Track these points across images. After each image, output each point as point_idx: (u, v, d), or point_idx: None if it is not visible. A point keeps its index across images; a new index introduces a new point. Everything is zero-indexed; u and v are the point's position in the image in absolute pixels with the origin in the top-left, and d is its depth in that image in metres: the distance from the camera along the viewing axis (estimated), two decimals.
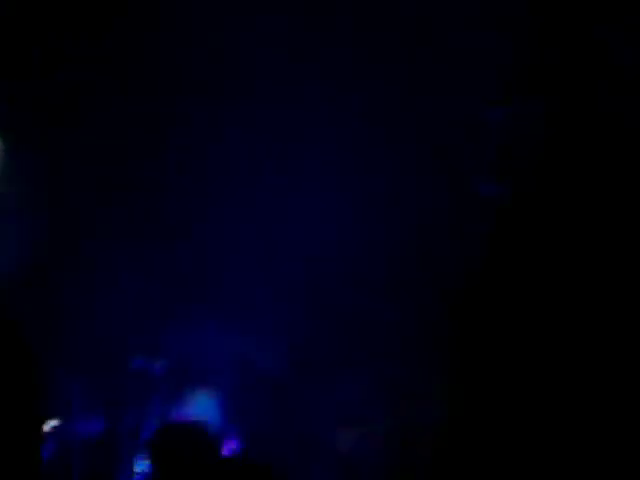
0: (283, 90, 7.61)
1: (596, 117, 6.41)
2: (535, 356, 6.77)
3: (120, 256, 7.72)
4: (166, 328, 7.82)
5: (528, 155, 6.60)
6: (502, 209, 6.44)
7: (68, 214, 7.62)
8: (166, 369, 7.76)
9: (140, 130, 7.73)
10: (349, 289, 7.71)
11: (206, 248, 7.86)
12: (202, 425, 3.77)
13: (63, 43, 7.32)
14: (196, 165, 7.89)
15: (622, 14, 6.41)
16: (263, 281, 7.83)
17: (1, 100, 7.15)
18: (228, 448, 7.39)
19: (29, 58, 7.25)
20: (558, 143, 6.58)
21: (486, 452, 6.32)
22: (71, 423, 7.28)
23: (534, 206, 6.73)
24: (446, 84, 7.27)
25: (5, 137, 7.27)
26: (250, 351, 7.83)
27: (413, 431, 6.90)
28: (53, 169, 7.53)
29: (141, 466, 7.07)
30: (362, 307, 7.67)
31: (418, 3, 7.22)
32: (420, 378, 7.25)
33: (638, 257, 6.43)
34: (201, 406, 7.53)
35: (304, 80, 7.54)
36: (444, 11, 7.21)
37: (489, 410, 6.61)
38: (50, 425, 6.96)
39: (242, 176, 7.86)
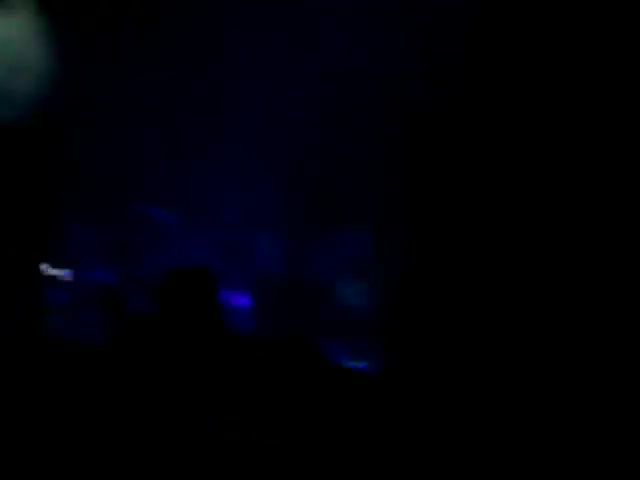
0: None
1: None
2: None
3: (137, 104, 7.76)
4: (179, 178, 7.87)
5: None
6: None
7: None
8: (182, 219, 7.83)
9: None
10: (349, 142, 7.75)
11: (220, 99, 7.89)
12: (206, 270, 3.82)
13: None
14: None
15: None
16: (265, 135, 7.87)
17: None
18: (238, 301, 7.51)
19: None
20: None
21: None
22: (84, 273, 7.40)
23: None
24: None
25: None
26: (250, 205, 7.89)
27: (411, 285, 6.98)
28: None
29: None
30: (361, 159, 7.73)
31: None
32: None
33: None
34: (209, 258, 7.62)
35: None
36: None
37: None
38: (62, 273, 7.10)
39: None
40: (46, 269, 6.80)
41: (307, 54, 7.73)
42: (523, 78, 6.97)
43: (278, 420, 3.33)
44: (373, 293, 7.05)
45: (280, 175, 7.88)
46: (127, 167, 7.78)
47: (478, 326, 6.46)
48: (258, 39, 7.90)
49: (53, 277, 7.13)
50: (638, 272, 6.10)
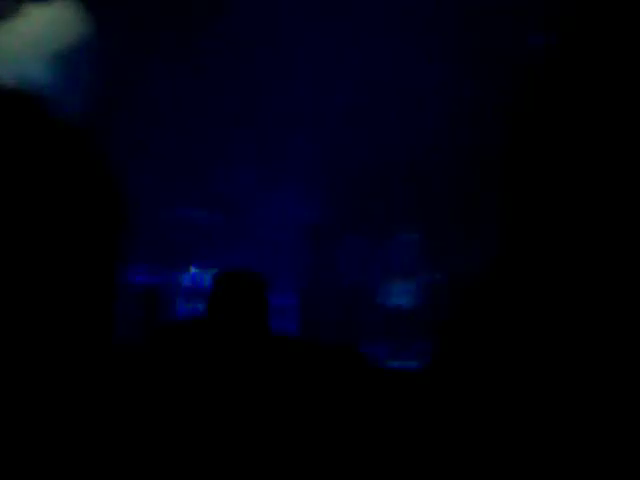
0: None
1: None
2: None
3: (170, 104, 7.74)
4: (215, 180, 7.85)
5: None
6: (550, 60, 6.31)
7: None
8: (220, 221, 7.80)
9: None
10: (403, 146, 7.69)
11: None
12: (255, 275, 3.77)
13: None
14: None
15: None
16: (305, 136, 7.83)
17: None
18: (279, 301, 7.47)
19: None
20: None
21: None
22: (125, 275, 7.38)
23: (583, 57, 6.57)
24: None
25: None
26: (293, 205, 7.85)
27: (459, 284, 6.92)
28: None
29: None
30: (413, 163, 7.66)
31: None
32: (466, 233, 7.26)
33: None
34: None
35: None
36: None
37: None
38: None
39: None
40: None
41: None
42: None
43: (320, 422, 3.25)
44: (420, 293, 6.98)
45: (325, 175, 7.84)
46: (169, 169, 7.76)
47: (529, 329, 6.34)
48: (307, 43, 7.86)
49: None
50: None
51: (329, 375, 3.39)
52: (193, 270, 7.53)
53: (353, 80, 7.67)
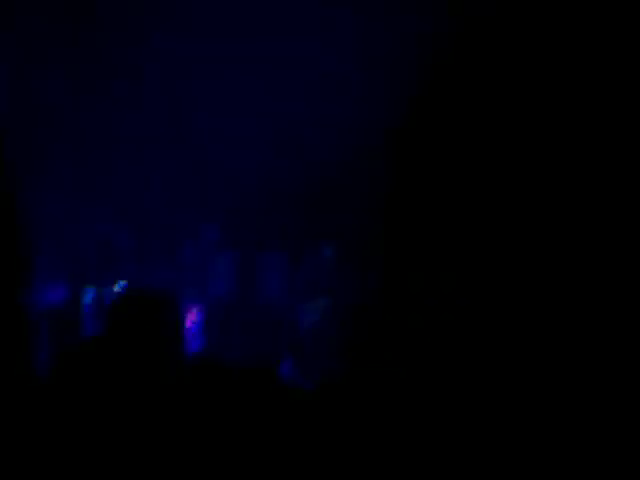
0: None
1: None
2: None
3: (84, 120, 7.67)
4: (132, 197, 7.78)
5: None
6: None
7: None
8: (133, 238, 7.72)
9: None
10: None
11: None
12: (164, 293, 3.67)
13: None
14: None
15: None
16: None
17: None
18: (189, 319, 7.37)
19: None
20: None
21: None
22: (35, 292, 7.22)
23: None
24: None
25: None
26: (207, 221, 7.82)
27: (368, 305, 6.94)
28: None
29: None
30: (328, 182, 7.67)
31: None
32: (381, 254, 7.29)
33: None
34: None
35: None
36: None
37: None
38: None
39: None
40: None
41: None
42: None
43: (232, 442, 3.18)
44: (332, 310, 6.95)
45: (235, 194, 7.79)
46: (81, 185, 7.67)
47: (440, 341, 6.39)
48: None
49: None
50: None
51: (244, 396, 3.33)
52: (95, 288, 7.41)
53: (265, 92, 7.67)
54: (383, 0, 7.49)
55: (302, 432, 3.30)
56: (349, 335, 6.72)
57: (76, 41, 7.72)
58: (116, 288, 7.33)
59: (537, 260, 6.64)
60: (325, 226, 7.53)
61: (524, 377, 5.70)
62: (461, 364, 6.12)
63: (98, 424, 3.06)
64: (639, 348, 5.72)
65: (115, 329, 3.36)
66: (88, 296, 7.44)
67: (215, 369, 3.35)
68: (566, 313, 6.15)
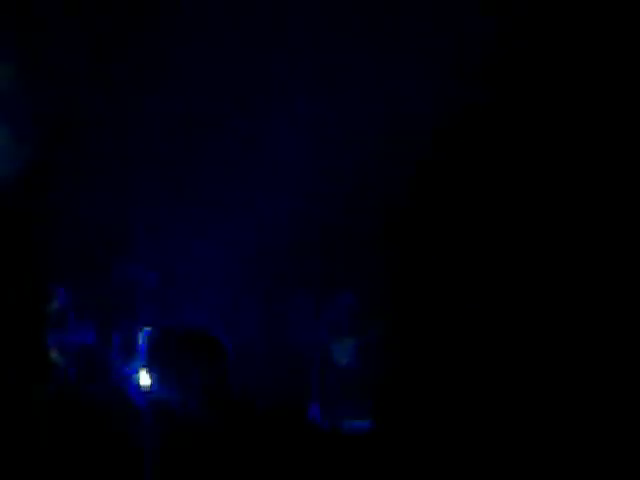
0: None
1: None
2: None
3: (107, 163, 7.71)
4: (153, 238, 7.78)
5: None
6: None
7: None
8: (157, 278, 7.71)
9: None
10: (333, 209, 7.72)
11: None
12: (205, 331, 3.64)
13: None
14: None
15: None
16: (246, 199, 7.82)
17: None
18: None
19: None
20: None
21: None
22: (62, 334, 7.22)
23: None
24: None
25: None
26: (236, 265, 7.80)
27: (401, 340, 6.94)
28: None
29: (136, 378, 7.03)
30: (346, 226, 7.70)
31: None
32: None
33: None
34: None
35: None
36: None
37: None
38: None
39: None
40: None
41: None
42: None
43: None
44: (363, 353, 6.92)
45: (262, 239, 7.81)
46: (106, 226, 7.68)
47: (467, 380, 6.38)
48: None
49: None
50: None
51: (275, 437, 3.31)
52: (135, 329, 7.39)
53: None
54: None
55: (328, 476, 3.28)
56: (379, 375, 6.71)
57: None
58: (145, 331, 7.31)
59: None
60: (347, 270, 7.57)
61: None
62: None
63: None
64: None
65: (160, 369, 3.33)
66: (116, 339, 7.42)
67: (246, 410, 3.33)
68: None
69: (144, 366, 3.52)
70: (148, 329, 7.29)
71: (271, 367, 7.44)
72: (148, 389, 3.39)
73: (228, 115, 7.84)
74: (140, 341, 7.18)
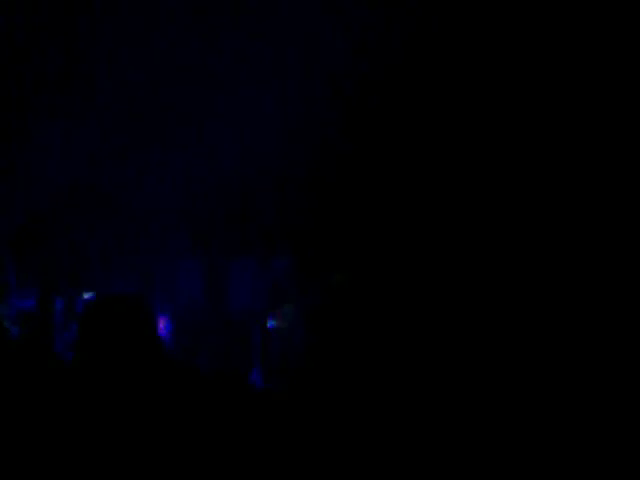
0: None
1: None
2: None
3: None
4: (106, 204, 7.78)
5: None
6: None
7: None
8: (100, 244, 7.72)
9: None
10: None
11: None
12: (136, 297, 3.69)
13: None
14: None
15: None
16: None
17: None
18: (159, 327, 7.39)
19: None
20: None
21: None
22: (5, 300, 7.24)
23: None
24: None
25: None
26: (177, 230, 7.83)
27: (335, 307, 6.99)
28: None
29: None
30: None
31: None
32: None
33: None
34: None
35: None
36: None
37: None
38: None
39: None
40: None
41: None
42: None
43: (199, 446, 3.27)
44: (302, 317, 7.02)
45: (199, 200, 7.82)
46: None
47: (404, 342, 6.44)
48: None
49: None
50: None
51: (217, 401, 3.39)
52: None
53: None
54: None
55: (275, 435, 3.36)
56: (314, 338, 6.79)
57: None
58: (85, 297, 7.35)
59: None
60: (281, 233, 7.60)
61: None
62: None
63: (76, 430, 3.12)
64: None
65: (90, 335, 3.42)
66: (58, 305, 7.44)
67: (187, 375, 3.41)
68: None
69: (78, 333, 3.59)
70: (88, 295, 7.38)
71: (212, 332, 7.51)
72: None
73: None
74: (80, 307, 7.25)
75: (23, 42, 7.54)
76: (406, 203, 7.23)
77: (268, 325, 7.07)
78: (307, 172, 7.61)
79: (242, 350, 7.12)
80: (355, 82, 7.28)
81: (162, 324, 7.45)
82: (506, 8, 6.85)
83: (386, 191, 7.36)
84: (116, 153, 7.93)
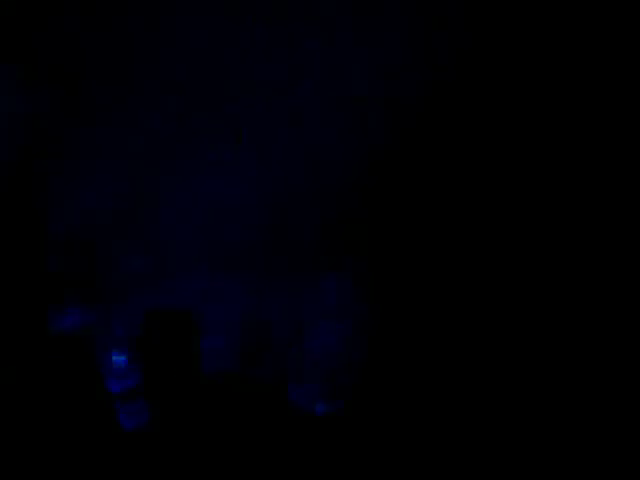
0: None
1: None
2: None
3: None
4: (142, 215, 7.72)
5: None
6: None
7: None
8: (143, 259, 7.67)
9: None
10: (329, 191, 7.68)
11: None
12: (187, 314, 3.67)
13: None
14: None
15: None
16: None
17: None
18: (210, 342, 7.35)
19: None
20: None
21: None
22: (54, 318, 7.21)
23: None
24: None
25: None
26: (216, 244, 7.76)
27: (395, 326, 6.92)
28: None
29: (117, 361, 7.02)
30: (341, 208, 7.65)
31: None
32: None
33: None
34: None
35: None
36: None
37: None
38: None
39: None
40: None
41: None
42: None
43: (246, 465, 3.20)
44: (349, 335, 6.93)
45: (248, 215, 7.74)
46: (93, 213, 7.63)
47: (458, 367, 6.38)
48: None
49: None
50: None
51: (254, 416, 3.33)
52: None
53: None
54: None
55: (308, 457, 3.29)
56: (361, 358, 6.71)
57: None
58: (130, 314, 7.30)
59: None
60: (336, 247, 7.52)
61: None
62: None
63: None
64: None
65: (142, 354, 3.37)
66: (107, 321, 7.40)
67: (226, 390, 3.35)
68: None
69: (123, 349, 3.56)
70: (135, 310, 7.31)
71: (248, 347, 7.43)
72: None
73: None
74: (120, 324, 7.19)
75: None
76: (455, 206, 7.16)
77: (309, 342, 7.00)
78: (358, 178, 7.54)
79: (281, 367, 7.04)
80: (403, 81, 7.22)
81: (215, 339, 7.39)
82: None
83: (435, 195, 7.30)
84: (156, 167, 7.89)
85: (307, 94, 7.67)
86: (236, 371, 7.10)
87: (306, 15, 7.66)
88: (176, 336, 3.51)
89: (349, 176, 7.65)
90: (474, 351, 6.29)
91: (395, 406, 5.69)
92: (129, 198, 7.79)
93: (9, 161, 7.03)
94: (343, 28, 7.59)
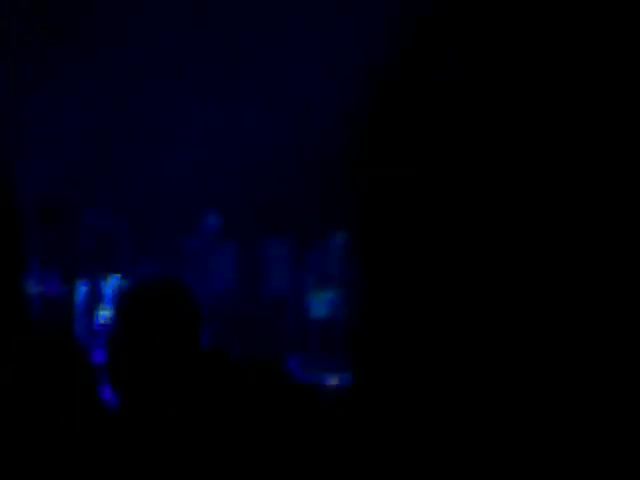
0: None
1: None
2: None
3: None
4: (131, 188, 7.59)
5: None
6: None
7: None
8: (128, 224, 7.48)
9: None
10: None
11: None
12: (177, 283, 3.39)
13: None
14: None
15: None
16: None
17: None
18: None
19: None
20: None
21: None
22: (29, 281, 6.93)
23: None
24: None
25: None
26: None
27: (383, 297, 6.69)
28: None
29: (103, 319, 6.88)
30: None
31: None
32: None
33: None
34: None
35: None
36: None
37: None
38: None
39: None
40: None
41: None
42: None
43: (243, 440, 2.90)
44: (343, 303, 6.69)
45: (235, 178, 7.56)
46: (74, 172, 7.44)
47: (455, 336, 6.13)
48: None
49: None
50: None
51: (250, 391, 3.11)
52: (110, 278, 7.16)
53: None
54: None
55: (309, 431, 3.10)
56: (360, 329, 6.46)
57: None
58: (110, 281, 7.13)
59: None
60: (334, 211, 7.34)
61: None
62: (463, 364, 5.90)
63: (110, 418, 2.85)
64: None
65: (130, 324, 3.11)
66: (82, 289, 7.22)
67: (219, 364, 3.14)
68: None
69: (112, 316, 3.30)
70: (116, 277, 7.10)
71: (246, 317, 7.21)
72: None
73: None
74: (108, 289, 6.97)
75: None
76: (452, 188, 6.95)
77: (308, 312, 6.78)
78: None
79: (277, 337, 6.82)
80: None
81: None
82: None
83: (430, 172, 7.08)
84: (144, 130, 7.73)
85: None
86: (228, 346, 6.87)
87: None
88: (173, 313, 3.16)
89: (337, 146, 7.46)
90: (473, 319, 6.04)
91: (400, 380, 5.41)
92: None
93: None
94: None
